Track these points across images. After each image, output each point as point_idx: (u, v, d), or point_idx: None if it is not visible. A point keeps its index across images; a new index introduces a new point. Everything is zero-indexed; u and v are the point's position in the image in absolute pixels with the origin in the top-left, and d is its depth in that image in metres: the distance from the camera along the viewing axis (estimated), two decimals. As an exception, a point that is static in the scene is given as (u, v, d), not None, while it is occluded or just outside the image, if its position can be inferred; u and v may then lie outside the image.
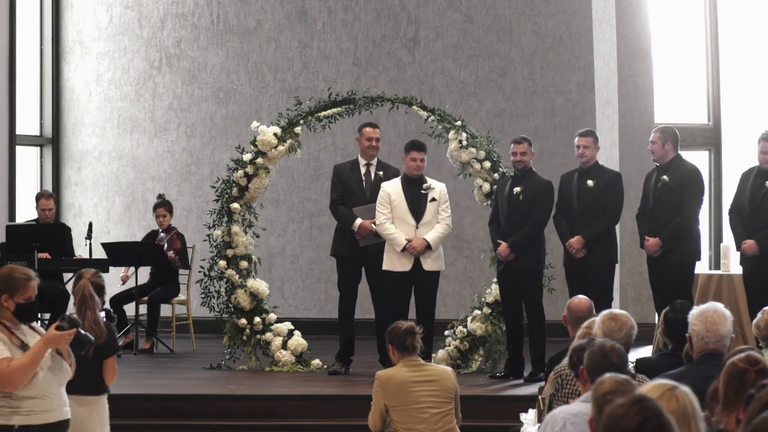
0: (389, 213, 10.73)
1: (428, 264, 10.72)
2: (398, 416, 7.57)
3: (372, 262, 10.98)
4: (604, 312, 6.57)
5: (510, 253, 10.66)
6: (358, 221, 11.04)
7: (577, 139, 10.84)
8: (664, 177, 10.65)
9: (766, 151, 10.49)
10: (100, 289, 7.05)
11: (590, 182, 10.69)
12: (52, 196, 12.85)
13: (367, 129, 11.25)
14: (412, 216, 10.73)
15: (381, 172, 11.20)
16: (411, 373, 7.61)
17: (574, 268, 10.73)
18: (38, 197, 12.73)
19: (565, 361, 6.36)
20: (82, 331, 6.13)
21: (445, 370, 7.82)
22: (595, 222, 10.67)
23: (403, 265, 10.69)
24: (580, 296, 8.02)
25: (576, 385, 6.03)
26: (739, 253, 10.73)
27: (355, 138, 11.56)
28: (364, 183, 11.24)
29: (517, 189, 10.71)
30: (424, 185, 10.82)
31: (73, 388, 6.47)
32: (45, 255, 12.15)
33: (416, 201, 10.75)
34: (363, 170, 11.27)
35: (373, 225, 10.96)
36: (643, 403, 3.44)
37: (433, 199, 10.80)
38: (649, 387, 3.76)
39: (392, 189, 10.82)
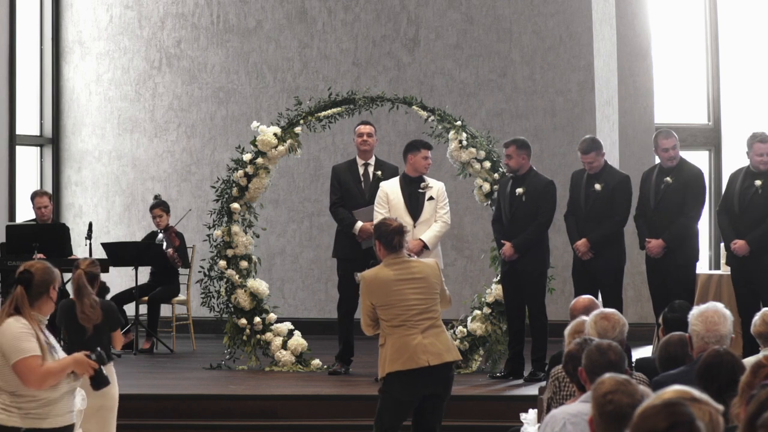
0: (386, 213, 10.72)
1: None
2: (384, 314, 7.65)
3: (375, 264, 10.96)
4: (595, 313, 6.59)
5: (514, 253, 10.65)
6: (359, 224, 11.01)
7: (580, 155, 10.84)
8: (668, 179, 10.65)
9: (762, 153, 10.49)
10: (94, 279, 8.02)
11: (597, 186, 10.69)
12: (46, 194, 12.83)
13: (359, 126, 11.27)
14: (409, 215, 10.71)
15: (379, 172, 11.19)
16: (395, 272, 7.66)
17: (581, 271, 10.73)
18: (33, 196, 12.73)
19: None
20: (104, 372, 6.27)
21: (429, 265, 7.83)
22: (603, 225, 10.66)
23: None
24: (584, 296, 8.01)
25: (572, 388, 6.03)
26: (726, 252, 10.80)
27: (353, 138, 11.58)
28: (362, 184, 11.23)
29: (519, 190, 10.70)
30: (422, 184, 10.82)
31: None
32: (40, 256, 12.11)
33: (414, 200, 10.74)
34: (361, 170, 11.25)
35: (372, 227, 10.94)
36: (676, 407, 3.43)
37: (431, 198, 10.79)
38: (671, 393, 3.75)
39: (390, 188, 10.81)
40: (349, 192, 11.19)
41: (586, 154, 10.74)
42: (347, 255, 11.16)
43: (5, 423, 6.12)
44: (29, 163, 14.64)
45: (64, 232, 12.64)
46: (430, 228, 10.73)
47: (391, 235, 7.68)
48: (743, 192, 10.58)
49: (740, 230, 10.52)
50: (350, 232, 11.06)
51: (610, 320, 6.46)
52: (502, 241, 10.73)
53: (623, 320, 6.50)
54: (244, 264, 11.52)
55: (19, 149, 14.15)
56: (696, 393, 3.78)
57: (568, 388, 6.33)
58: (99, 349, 6.24)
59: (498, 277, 11.08)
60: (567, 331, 6.86)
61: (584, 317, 6.91)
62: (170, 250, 12.67)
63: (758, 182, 10.47)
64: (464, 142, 11.18)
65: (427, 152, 10.80)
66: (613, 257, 10.71)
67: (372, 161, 11.28)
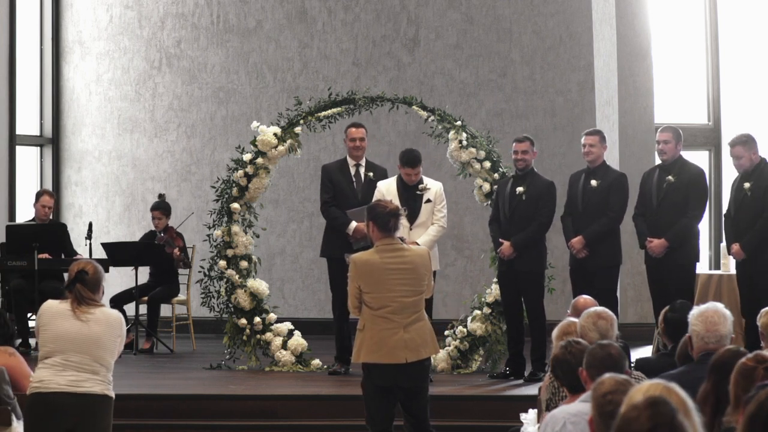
0: None
1: None
2: (370, 300, 7.65)
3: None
4: (588, 313, 6.61)
5: (513, 252, 10.64)
6: (353, 224, 10.98)
7: (583, 138, 10.85)
8: (669, 177, 10.64)
9: (739, 156, 10.51)
10: None
11: (594, 182, 10.69)
12: (53, 195, 12.90)
13: (351, 129, 11.21)
14: (406, 217, 10.66)
15: (371, 173, 11.17)
16: (386, 259, 7.64)
17: (577, 268, 10.73)
18: (39, 194, 12.75)
19: None
20: None
21: (420, 255, 7.79)
22: (597, 222, 10.66)
23: None
24: (585, 296, 8.02)
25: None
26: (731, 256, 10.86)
27: (343, 139, 11.54)
28: (354, 184, 11.20)
29: (519, 189, 10.69)
30: (420, 186, 10.79)
31: None
32: (45, 255, 12.15)
33: (411, 202, 10.70)
34: (353, 171, 11.22)
35: (366, 228, 10.91)
36: (658, 407, 3.43)
37: (428, 200, 10.78)
38: (645, 387, 3.76)
39: (387, 189, 10.77)
40: (342, 192, 11.14)
41: (589, 135, 10.78)
42: (338, 255, 11.11)
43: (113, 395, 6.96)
44: (29, 163, 14.64)
45: (63, 231, 12.65)
46: (426, 231, 10.71)
47: (386, 217, 7.63)
48: (736, 196, 10.61)
49: (736, 233, 10.53)
50: (344, 232, 11.03)
51: (607, 319, 6.53)
52: (500, 240, 10.73)
53: (614, 316, 6.63)
54: (244, 264, 11.52)
55: (19, 149, 14.15)
56: (665, 382, 3.79)
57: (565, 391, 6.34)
58: None
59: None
60: (555, 333, 6.86)
61: (572, 319, 6.93)
62: (176, 251, 12.67)
63: (747, 185, 10.47)
64: (464, 142, 11.18)
65: (410, 170, 10.68)
66: (609, 255, 10.70)
67: (363, 162, 11.24)
